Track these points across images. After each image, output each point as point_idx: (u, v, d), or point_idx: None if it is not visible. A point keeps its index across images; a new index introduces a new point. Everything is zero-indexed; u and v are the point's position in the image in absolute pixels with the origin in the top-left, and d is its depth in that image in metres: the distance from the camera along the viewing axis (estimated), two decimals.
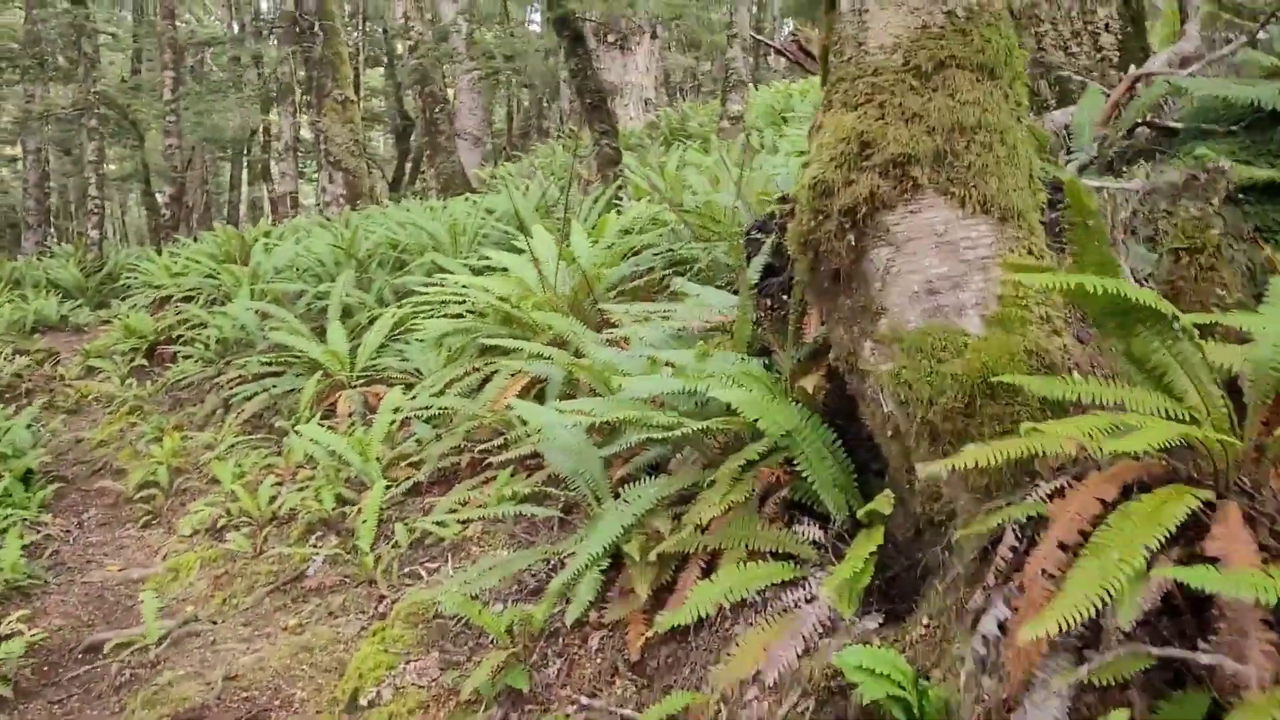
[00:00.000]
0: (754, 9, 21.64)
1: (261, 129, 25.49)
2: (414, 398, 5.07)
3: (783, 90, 13.65)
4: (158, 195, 23.73)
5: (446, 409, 4.61)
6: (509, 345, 4.31)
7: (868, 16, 2.20)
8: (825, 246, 2.29)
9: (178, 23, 22.57)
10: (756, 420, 2.51)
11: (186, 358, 8.65)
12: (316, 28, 12.00)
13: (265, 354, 7.15)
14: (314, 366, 6.31)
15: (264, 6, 25.26)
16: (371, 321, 6.60)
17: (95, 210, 16.51)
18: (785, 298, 2.98)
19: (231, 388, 6.98)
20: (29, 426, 6.82)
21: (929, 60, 2.13)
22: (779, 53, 15.34)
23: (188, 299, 10.77)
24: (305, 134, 25.27)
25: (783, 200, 3.23)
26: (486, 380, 4.74)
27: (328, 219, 11.77)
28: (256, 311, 7.51)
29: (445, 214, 9.23)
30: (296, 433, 5.24)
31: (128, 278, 15.44)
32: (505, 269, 5.73)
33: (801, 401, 2.63)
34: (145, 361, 10.23)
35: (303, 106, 19.08)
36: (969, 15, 2.13)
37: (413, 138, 25.07)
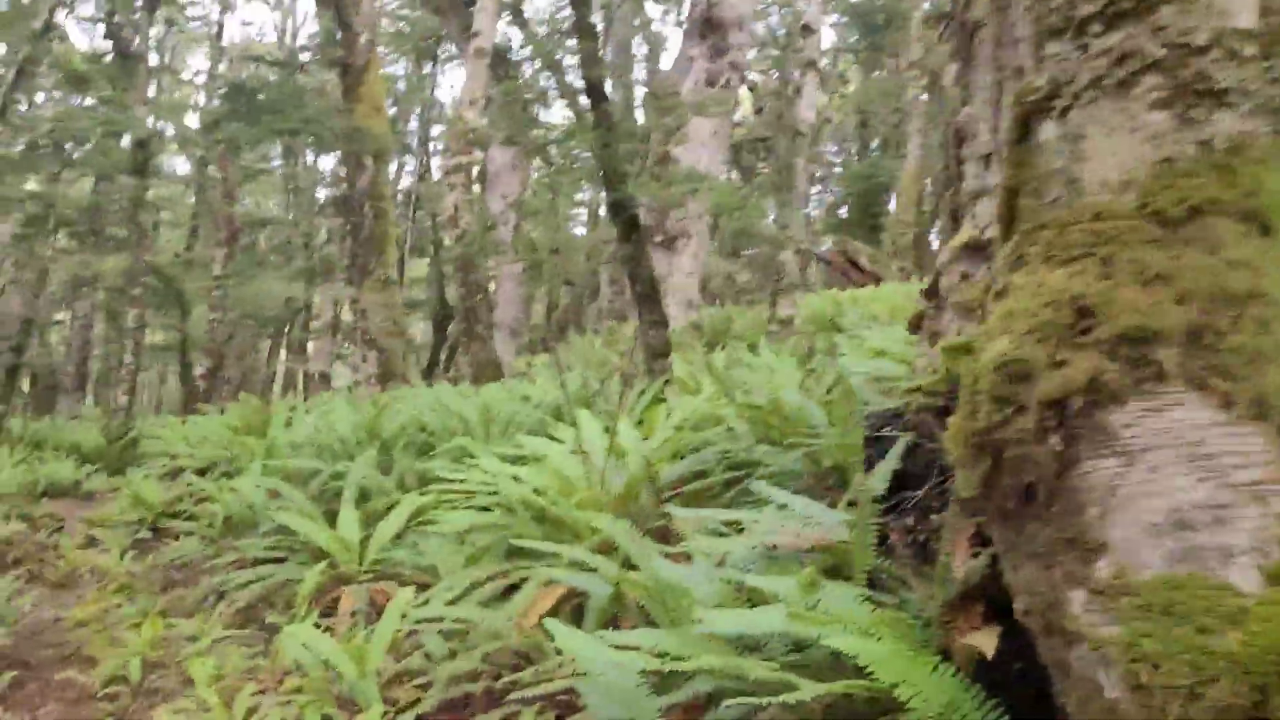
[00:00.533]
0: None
1: (304, 307, 25.72)
2: (426, 602, 4.33)
3: (831, 298, 13.36)
4: (196, 367, 23.71)
5: (464, 621, 3.86)
6: (542, 549, 3.62)
7: (1085, 145, 1.64)
8: (1014, 451, 1.64)
9: (237, 205, 23.17)
10: (895, 686, 1.78)
11: (189, 534, 7.97)
12: (367, 207, 11.96)
13: (269, 536, 6.45)
14: (320, 555, 5.59)
15: (319, 194, 26.09)
16: (389, 509, 5.92)
17: (127, 376, 16.26)
18: (929, 518, 2.31)
19: (228, 571, 6.25)
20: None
21: (1177, 203, 1.55)
22: (824, 261, 15.17)
23: (203, 471, 10.18)
24: (346, 316, 25.42)
25: (916, 390, 2.62)
26: (514, 588, 4.01)
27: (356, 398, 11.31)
28: (266, 489, 6.87)
29: (477, 398, 8.72)
30: (288, 632, 4.48)
31: (147, 445, 14.97)
32: (540, 459, 5.10)
33: (956, 663, 1.90)
34: (150, 534, 9.55)
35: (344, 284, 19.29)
36: (1232, 149, 1.56)
37: (450, 327, 25.16)
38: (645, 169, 13.16)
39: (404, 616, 4.26)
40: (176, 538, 8.41)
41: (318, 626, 5.13)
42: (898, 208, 27.43)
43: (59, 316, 30.86)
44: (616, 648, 2.55)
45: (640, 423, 5.80)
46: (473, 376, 17.81)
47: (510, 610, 3.71)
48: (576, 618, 3.55)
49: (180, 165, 36.71)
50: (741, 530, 3.05)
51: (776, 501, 3.02)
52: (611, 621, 3.49)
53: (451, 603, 3.99)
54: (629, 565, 3.33)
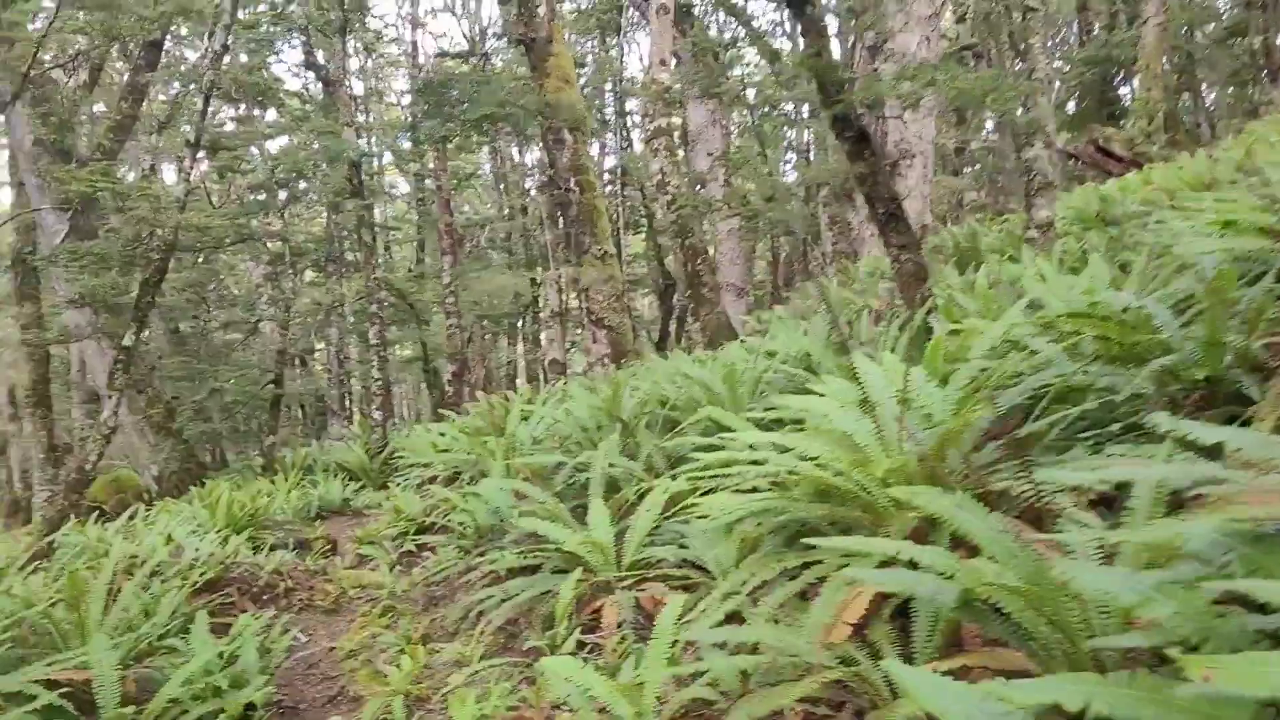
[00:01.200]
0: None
1: (533, 299, 25.92)
2: (703, 611, 3.54)
3: (1093, 192, 11.56)
4: (443, 374, 24.45)
5: (753, 643, 3.01)
6: (837, 545, 2.71)
7: None
8: None
9: (455, 213, 23.58)
10: None
11: (445, 546, 7.65)
12: (572, 183, 11.41)
13: (520, 543, 5.90)
14: (572, 560, 4.94)
15: (529, 184, 26.15)
16: (641, 497, 5.20)
17: (379, 392, 16.69)
18: None
19: (482, 587, 5.76)
20: (266, 641, 5.87)
21: None
22: (1072, 157, 13.17)
23: (453, 478, 10.00)
24: (574, 301, 25.43)
25: None
26: (807, 591, 3.13)
27: (591, 380, 10.79)
28: (511, 490, 6.34)
29: (717, 363, 7.90)
30: (550, 660, 3.81)
31: (401, 456, 15.25)
32: (807, 421, 4.19)
33: None
34: (414, 547, 9.43)
35: (561, 266, 19.06)
36: None
37: (675, 296, 24.59)
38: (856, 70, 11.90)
39: (678, 630, 3.49)
40: (435, 551, 8.16)
41: (582, 645, 4.48)
42: (1140, 87, 24.30)
43: (318, 346, 32.90)
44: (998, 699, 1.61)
45: (915, 362, 4.75)
46: (706, 342, 17.11)
47: (811, 623, 2.83)
48: (903, 633, 2.62)
49: (402, 186, 38.37)
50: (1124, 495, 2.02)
51: (1200, 439, 1.94)
52: (954, 639, 2.53)
53: (730, 620, 3.15)
54: (973, 555, 2.37)
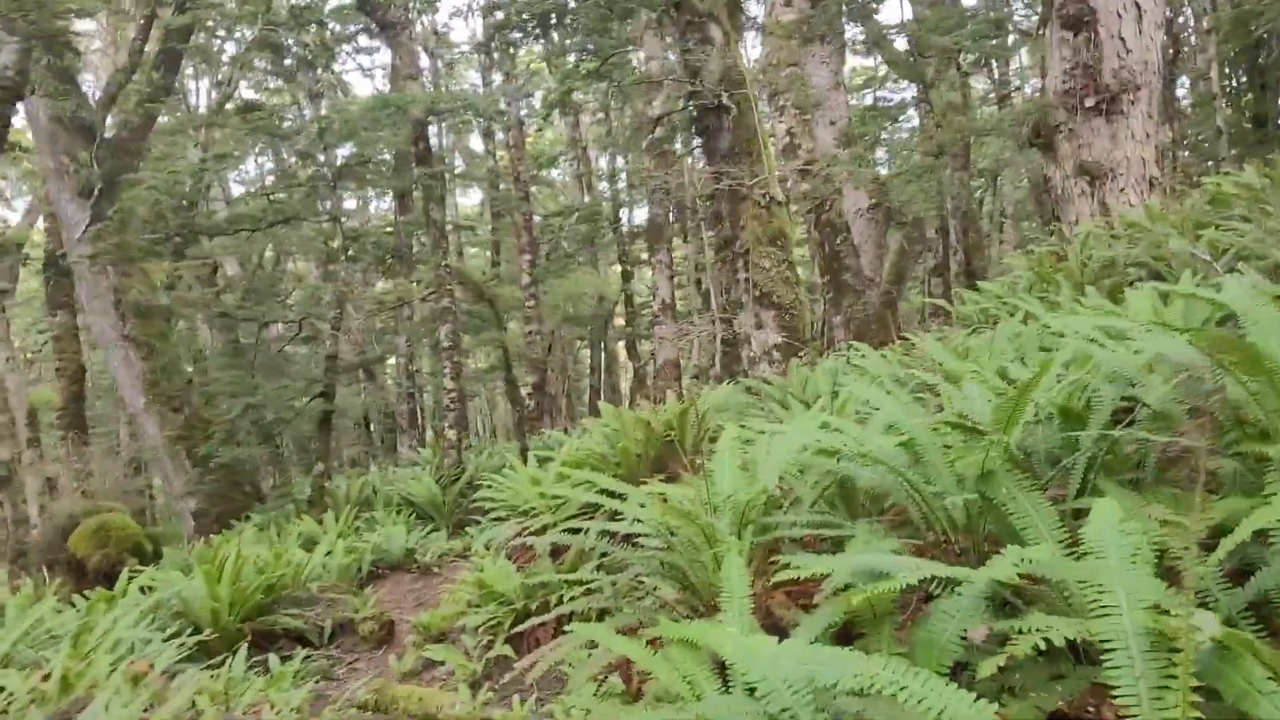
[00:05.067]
0: None
1: (626, 296, 22.12)
2: None
3: None
4: (520, 387, 20.86)
5: None
6: None
7: None
8: None
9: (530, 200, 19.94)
10: None
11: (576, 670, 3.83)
12: (725, 99, 7.56)
13: None
14: None
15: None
16: None
17: (453, 405, 13.00)
18: None
19: None
20: None
21: None
22: None
23: (574, 529, 6.17)
24: (677, 297, 21.64)
25: None
26: None
27: (766, 381, 6.89)
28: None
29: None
30: None
31: (486, 488, 11.53)
32: None
33: None
34: (509, 650, 5.64)
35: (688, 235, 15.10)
36: None
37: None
38: None
39: None
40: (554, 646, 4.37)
41: None
42: None
43: (390, 359, 29.50)
44: None
45: None
46: (854, 336, 13.16)
47: None
48: None
49: (474, 195, 34.99)
50: None
51: None
52: None
53: None
54: None
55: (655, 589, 3.49)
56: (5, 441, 13.55)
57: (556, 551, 6.20)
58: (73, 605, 7.49)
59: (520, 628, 5.58)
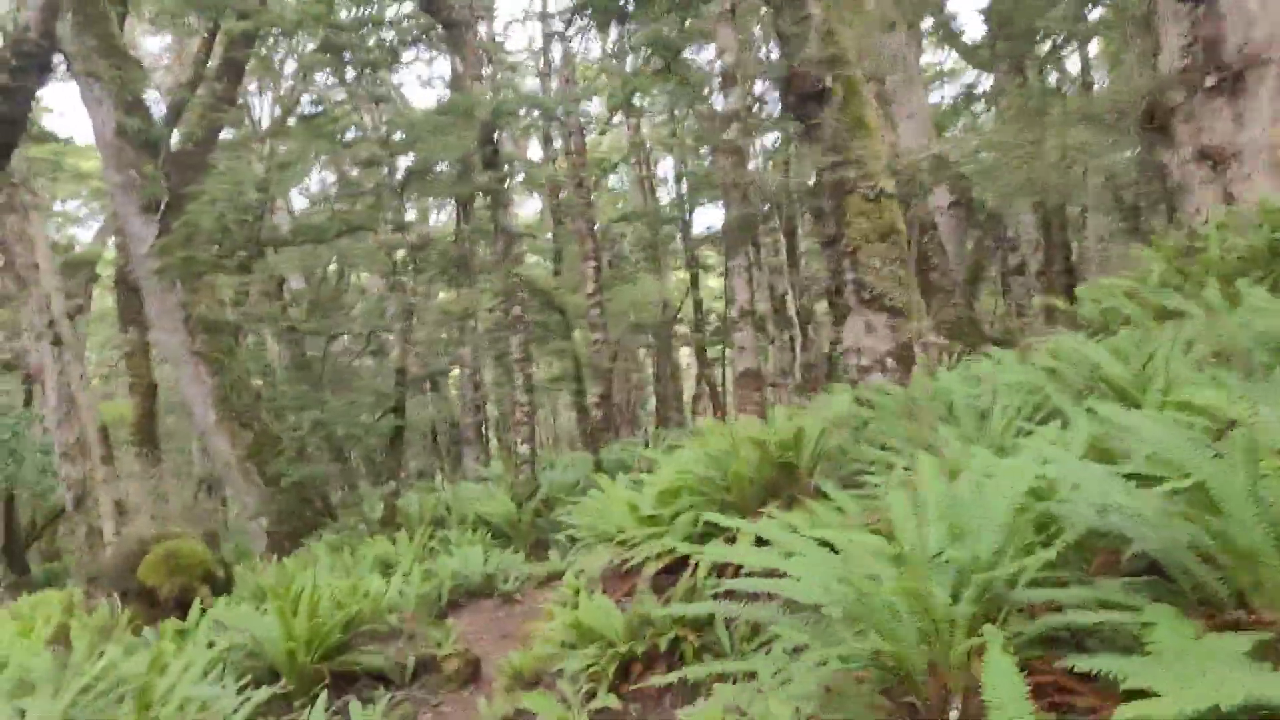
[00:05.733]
0: None
1: (694, 302, 21.42)
2: None
3: None
4: (588, 395, 20.31)
5: None
6: None
7: None
8: None
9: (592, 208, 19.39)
10: None
11: None
12: (829, 82, 6.84)
13: None
14: None
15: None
16: None
17: (524, 419, 12.44)
18: None
19: None
20: None
21: None
22: None
23: (682, 560, 5.49)
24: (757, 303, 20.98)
25: None
26: None
27: (884, 392, 6.20)
28: None
29: None
30: None
31: (566, 508, 10.91)
32: None
33: None
34: (614, 700, 4.99)
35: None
36: None
37: None
38: None
39: None
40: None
41: None
42: None
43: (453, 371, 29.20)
44: None
45: None
46: (948, 339, 12.34)
47: None
48: None
49: (531, 206, 34.63)
50: None
51: None
52: None
53: None
54: None
55: (823, 663, 2.78)
56: (77, 460, 13.31)
57: (660, 584, 5.56)
58: (141, 636, 7.04)
59: (631, 681, 4.94)
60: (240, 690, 5.19)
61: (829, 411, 5.94)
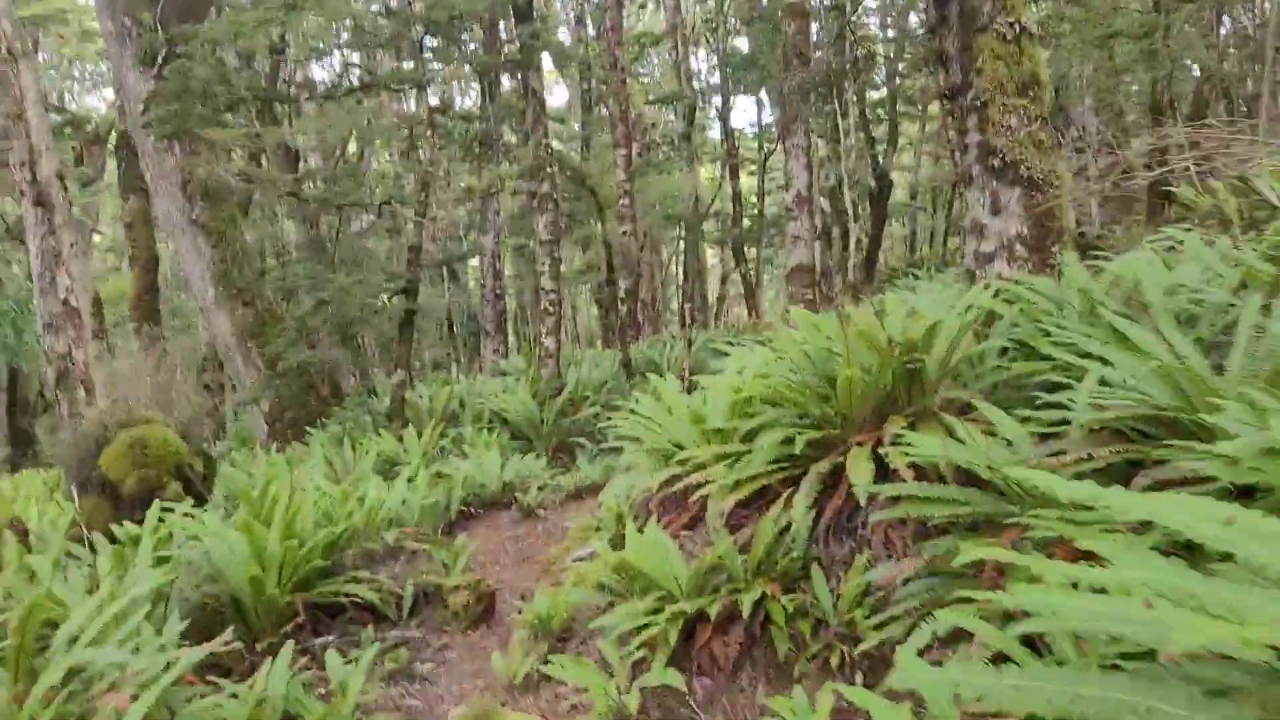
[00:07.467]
0: None
1: (731, 199, 19.64)
2: None
3: None
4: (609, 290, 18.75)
5: None
6: None
7: None
8: None
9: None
10: None
11: None
12: None
13: None
14: None
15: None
16: None
17: (550, 309, 10.92)
18: None
19: None
20: None
21: None
22: None
23: (762, 490, 4.00)
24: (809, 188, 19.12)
25: None
26: None
27: (1030, 286, 4.62)
28: None
29: None
30: None
31: (595, 410, 9.47)
32: None
33: None
34: (675, 678, 3.57)
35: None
36: None
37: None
38: None
39: None
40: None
41: None
42: None
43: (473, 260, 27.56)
44: None
45: None
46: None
47: None
48: None
49: (559, 95, 32.34)
50: None
51: None
52: None
53: None
54: None
55: None
56: (61, 332, 11.91)
57: (736, 522, 4.13)
58: (92, 549, 5.67)
59: (695, 649, 3.55)
60: (186, 633, 3.83)
61: (960, 305, 4.39)
